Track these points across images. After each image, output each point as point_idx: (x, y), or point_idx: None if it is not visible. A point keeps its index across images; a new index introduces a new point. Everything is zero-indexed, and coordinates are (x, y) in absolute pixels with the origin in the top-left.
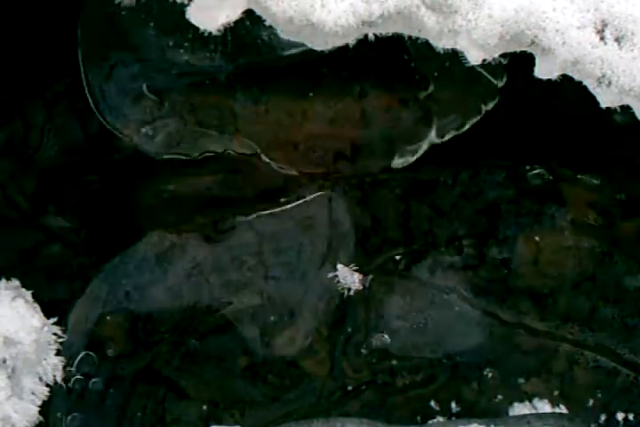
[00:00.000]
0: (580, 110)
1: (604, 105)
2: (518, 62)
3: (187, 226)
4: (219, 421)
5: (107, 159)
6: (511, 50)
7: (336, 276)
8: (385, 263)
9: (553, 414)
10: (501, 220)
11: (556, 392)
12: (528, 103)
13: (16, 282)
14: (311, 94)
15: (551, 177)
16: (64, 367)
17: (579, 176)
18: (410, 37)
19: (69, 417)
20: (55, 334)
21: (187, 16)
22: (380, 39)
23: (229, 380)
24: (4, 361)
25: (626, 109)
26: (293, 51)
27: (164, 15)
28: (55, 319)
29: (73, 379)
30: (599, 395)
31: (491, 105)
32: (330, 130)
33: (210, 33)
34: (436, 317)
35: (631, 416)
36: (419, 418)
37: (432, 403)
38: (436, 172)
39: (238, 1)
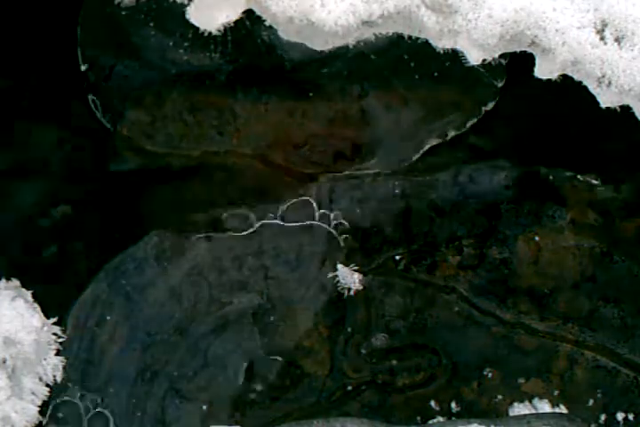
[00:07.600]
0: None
1: (603, 105)
2: (518, 62)
3: (187, 226)
4: (219, 421)
5: (107, 160)
6: (511, 50)
7: (336, 276)
8: (385, 263)
9: (553, 414)
10: (501, 220)
11: (556, 392)
12: (528, 103)
13: (16, 282)
14: (311, 94)
15: (551, 177)
16: (64, 367)
17: (579, 176)
18: (410, 37)
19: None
20: (55, 334)
21: (187, 16)
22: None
23: (229, 380)
24: (4, 361)
25: (625, 109)
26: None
27: (163, 15)
28: (55, 319)
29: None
30: (599, 395)
31: (490, 105)
32: (330, 130)
33: (210, 33)
34: (436, 317)
35: (631, 416)
36: (419, 418)
37: (432, 403)
38: (436, 172)
39: (238, 1)
